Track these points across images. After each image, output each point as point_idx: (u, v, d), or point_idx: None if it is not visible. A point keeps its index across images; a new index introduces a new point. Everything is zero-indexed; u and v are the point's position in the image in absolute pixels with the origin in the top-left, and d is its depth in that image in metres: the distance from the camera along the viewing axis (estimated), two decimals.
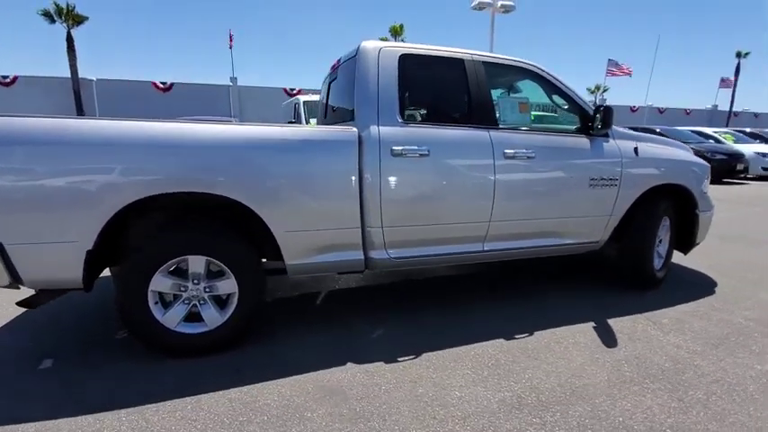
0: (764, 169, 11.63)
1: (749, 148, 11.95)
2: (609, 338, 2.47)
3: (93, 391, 1.93)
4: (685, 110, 36.30)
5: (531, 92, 3.14)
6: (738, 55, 37.74)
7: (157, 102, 27.17)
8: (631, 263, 3.15)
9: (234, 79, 29.88)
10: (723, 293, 3.20)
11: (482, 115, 2.61)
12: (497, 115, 2.71)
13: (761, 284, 3.39)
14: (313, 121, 7.48)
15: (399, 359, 2.23)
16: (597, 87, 35.40)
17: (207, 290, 2.21)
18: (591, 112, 2.85)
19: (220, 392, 1.93)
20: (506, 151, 2.60)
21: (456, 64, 2.61)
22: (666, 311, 2.86)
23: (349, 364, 2.17)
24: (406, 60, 2.49)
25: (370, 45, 2.46)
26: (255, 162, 2.14)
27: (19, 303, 2.11)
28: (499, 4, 13.40)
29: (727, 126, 32.47)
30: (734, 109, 38.05)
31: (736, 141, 12.90)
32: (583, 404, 1.86)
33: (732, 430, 1.69)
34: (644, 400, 1.89)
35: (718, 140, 12.59)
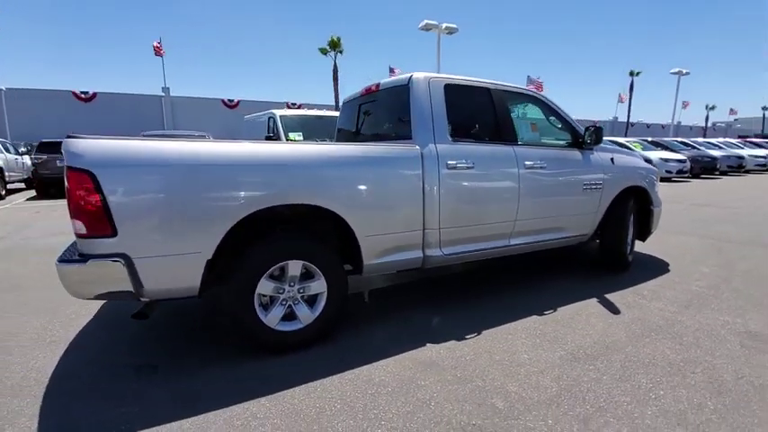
0: (668, 172, 13.88)
1: (655, 155, 14.17)
2: (613, 308, 3.13)
3: (219, 387, 2.12)
4: (594, 122, 41.22)
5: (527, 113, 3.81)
6: (632, 74, 43.83)
7: (79, 113, 24.93)
8: (611, 251, 3.91)
9: (166, 89, 28.34)
10: (676, 270, 4.08)
11: (507, 133, 3.18)
12: (517, 133, 3.29)
13: (699, 262, 4.35)
14: (292, 135, 7.67)
15: (467, 337, 2.67)
16: None
17: (300, 291, 2.48)
18: (581, 131, 3.56)
19: (336, 376, 2.23)
20: (526, 163, 3.19)
21: (485, 92, 3.17)
22: (642, 286, 3.63)
23: (428, 345, 2.57)
24: (448, 89, 2.98)
25: (421, 76, 2.92)
26: (347, 176, 2.48)
27: (134, 316, 2.23)
28: (444, 26, 14.58)
29: (626, 135, 37.44)
30: (631, 120, 44.05)
31: (643, 149, 15.18)
32: (618, 353, 2.45)
33: (722, 361, 2.37)
34: (658, 347, 2.53)
35: (629, 149, 14.73)
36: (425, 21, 14.20)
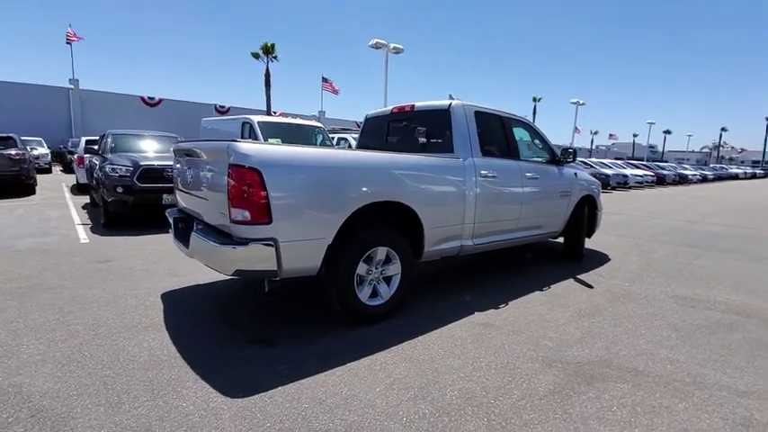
0: None
1: None
2: (587, 285, 4.19)
3: (343, 347, 2.63)
4: None
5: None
6: (534, 99, 50.02)
7: None
8: (573, 245, 5.05)
9: (75, 81, 25.42)
10: (615, 259, 5.37)
11: (514, 151, 4.11)
12: (519, 151, 4.23)
13: (627, 254, 5.73)
14: (271, 140, 7.93)
15: (500, 307, 3.47)
16: None
17: (382, 272, 3.07)
18: (557, 151, 4.63)
19: (425, 336, 2.86)
20: (526, 174, 4.14)
21: (498, 118, 4.05)
22: (598, 270, 4.79)
23: (476, 313, 3.32)
24: (477, 114, 3.80)
25: (459, 103, 3.70)
26: (422, 179, 3.15)
27: (268, 293, 2.63)
28: (392, 46, 15.74)
29: None
30: None
31: None
32: (605, 312, 3.45)
33: (669, 312, 3.49)
34: (628, 306, 3.58)
35: None
36: (375, 39, 15.19)
